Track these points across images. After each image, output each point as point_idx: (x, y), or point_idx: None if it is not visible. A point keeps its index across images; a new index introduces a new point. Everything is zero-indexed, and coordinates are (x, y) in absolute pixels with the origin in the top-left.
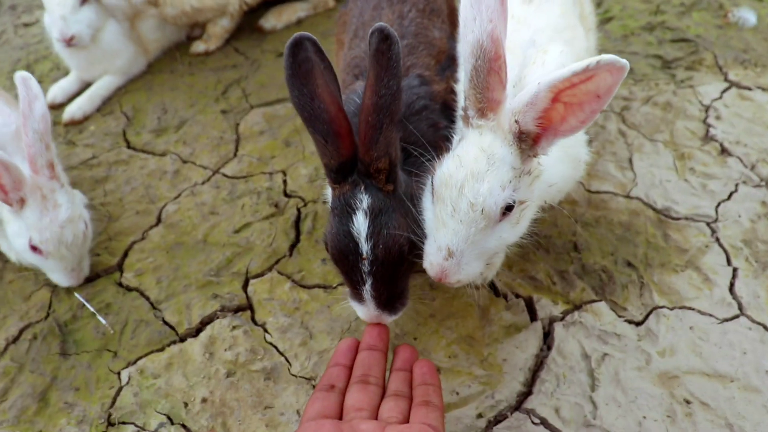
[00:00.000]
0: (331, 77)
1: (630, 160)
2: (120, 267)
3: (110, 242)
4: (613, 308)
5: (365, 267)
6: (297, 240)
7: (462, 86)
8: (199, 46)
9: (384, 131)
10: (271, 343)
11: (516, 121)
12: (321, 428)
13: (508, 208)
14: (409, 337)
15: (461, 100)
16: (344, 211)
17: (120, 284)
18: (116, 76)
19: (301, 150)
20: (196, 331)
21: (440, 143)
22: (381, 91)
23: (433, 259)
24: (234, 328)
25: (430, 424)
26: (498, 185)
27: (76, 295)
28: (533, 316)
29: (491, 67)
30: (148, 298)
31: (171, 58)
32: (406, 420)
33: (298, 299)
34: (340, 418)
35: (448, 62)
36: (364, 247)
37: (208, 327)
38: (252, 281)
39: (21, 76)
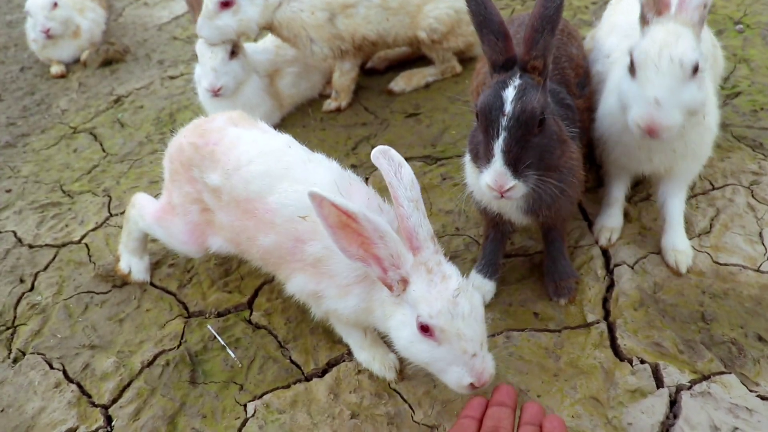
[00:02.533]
0: (492, 2)
1: (760, 234)
2: (250, 305)
3: (242, 281)
4: (744, 382)
5: (504, 121)
6: None
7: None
8: (330, 104)
9: (544, 36)
10: (395, 390)
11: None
12: None
13: (695, 69)
14: (532, 393)
15: (640, 8)
16: (499, 84)
17: (249, 321)
18: None
19: (428, 207)
20: (322, 372)
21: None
22: (547, 3)
23: (643, 113)
24: (360, 372)
25: None
26: (689, 46)
27: (208, 327)
28: (659, 382)
29: None
30: (276, 337)
31: (303, 114)
32: None
33: None
34: None
35: (585, 79)
36: (508, 107)
37: (334, 369)
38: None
39: (379, 150)
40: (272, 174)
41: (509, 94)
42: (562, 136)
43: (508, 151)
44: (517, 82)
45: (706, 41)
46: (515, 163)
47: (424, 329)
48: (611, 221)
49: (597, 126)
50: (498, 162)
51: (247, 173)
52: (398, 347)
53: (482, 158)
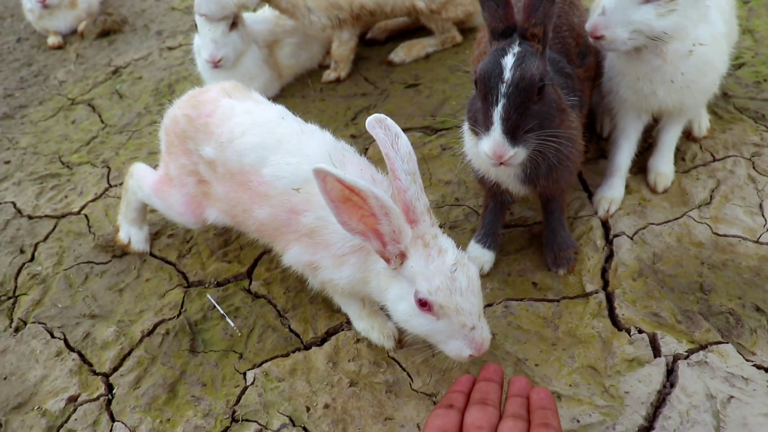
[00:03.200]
0: None
1: (760, 206)
2: (249, 275)
3: (241, 251)
4: (741, 351)
5: (502, 88)
6: None
7: None
8: (330, 75)
9: (543, 3)
10: (393, 358)
11: None
12: None
13: None
14: (531, 362)
15: None
16: (498, 52)
17: (249, 291)
18: None
19: (427, 178)
20: (321, 341)
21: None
22: None
23: (591, 19)
24: (358, 340)
25: None
26: None
27: (208, 296)
28: (657, 352)
29: None
30: (275, 306)
31: (303, 84)
32: None
33: None
34: None
35: (586, 49)
36: (507, 74)
37: (333, 338)
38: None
39: (375, 118)
40: (265, 146)
41: (508, 61)
42: (561, 105)
43: (507, 119)
44: (516, 49)
45: None
46: (514, 131)
47: (423, 304)
48: (612, 192)
49: (606, 65)
50: (497, 130)
51: (240, 145)
52: (396, 319)
53: (481, 125)
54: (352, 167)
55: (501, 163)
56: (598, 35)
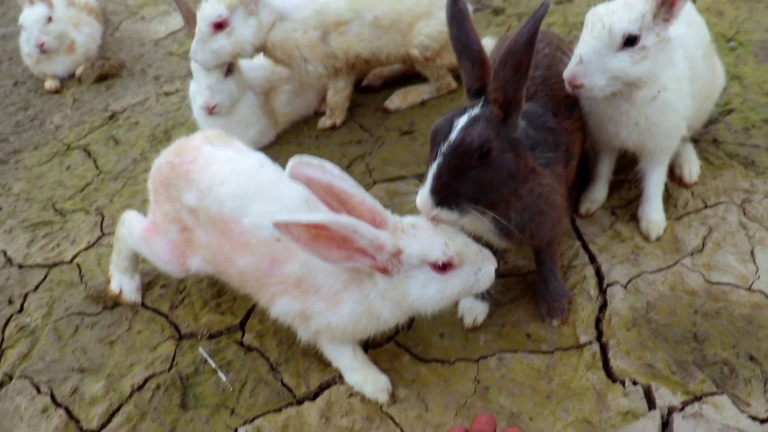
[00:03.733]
0: (474, 29)
1: (752, 253)
2: (242, 327)
3: (234, 302)
4: (736, 402)
5: (443, 147)
6: None
7: None
8: (325, 122)
9: (506, 69)
10: (387, 413)
11: None
12: None
13: (631, 41)
14: (525, 416)
15: None
16: (459, 111)
17: (241, 343)
18: (247, 145)
19: None
20: (314, 395)
21: (558, 154)
22: (517, 38)
23: (569, 68)
24: (351, 395)
25: None
26: (626, 18)
27: (200, 350)
28: (651, 404)
29: None
30: (268, 359)
31: (299, 131)
32: None
33: (416, 372)
34: None
35: (575, 100)
36: (453, 134)
37: (326, 392)
38: (371, 351)
39: (292, 164)
40: (245, 195)
41: (461, 122)
42: (520, 170)
43: (438, 178)
44: (475, 112)
45: (694, 35)
46: (441, 191)
47: (445, 267)
48: (594, 194)
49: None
50: (426, 186)
51: (220, 193)
52: (432, 307)
53: (425, 176)
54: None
55: (432, 217)
56: (577, 84)
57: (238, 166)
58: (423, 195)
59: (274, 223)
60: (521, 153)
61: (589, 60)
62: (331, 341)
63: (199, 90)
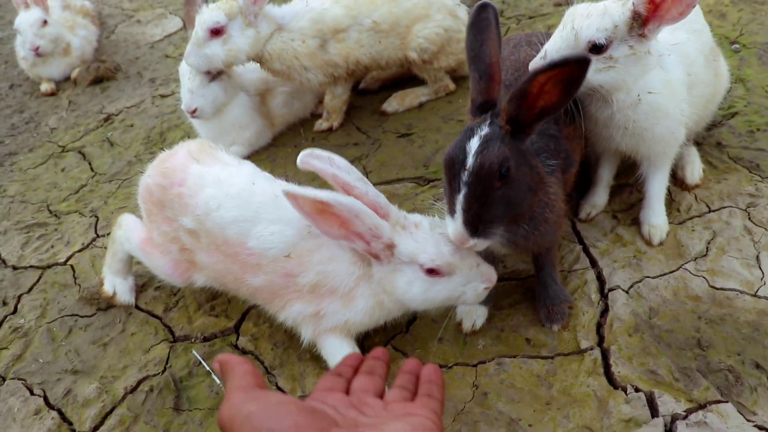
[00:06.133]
0: (498, 40)
1: (757, 258)
2: (237, 330)
3: (228, 305)
4: (741, 411)
5: (464, 176)
6: (414, 317)
7: None
8: (322, 124)
9: (518, 81)
10: None
11: (633, 4)
12: (330, 395)
13: (596, 48)
14: (524, 423)
15: None
16: (468, 133)
17: (236, 346)
18: (243, 147)
19: None
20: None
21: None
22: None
23: (535, 60)
24: None
25: (430, 409)
26: (595, 26)
27: (193, 352)
28: (654, 412)
29: None
30: (263, 363)
31: (295, 134)
32: None
33: None
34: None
35: (575, 107)
36: (469, 160)
37: None
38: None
39: (302, 156)
40: (245, 219)
41: (473, 145)
42: (534, 181)
43: (468, 209)
44: (484, 131)
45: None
46: (474, 222)
47: (432, 272)
48: (594, 198)
49: None
50: (458, 220)
51: (218, 219)
52: (416, 305)
53: (448, 207)
54: None
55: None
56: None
57: (230, 189)
58: (457, 228)
59: (284, 192)
60: (533, 163)
61: (552, 58)
62: (342, 335)
63: (182, 93)
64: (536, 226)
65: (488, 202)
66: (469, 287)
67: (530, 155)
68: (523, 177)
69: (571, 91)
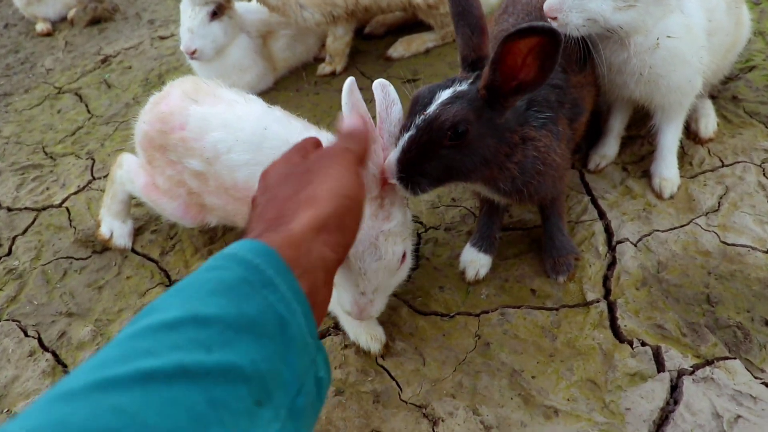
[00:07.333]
0: None
1: None
2: None
3: None
4: (749, 368)
5: (419, 119)
6: (416, 265)
7: None
8: (325, 68)
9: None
10: (382, 366)
11: None
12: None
13: None
14: (527, 374)
15: None
16: (447, 83)
17: None
18: (244, 90)
19: None
20: None
21: (560, 112)
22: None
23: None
24: (346, 346)
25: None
26: None
27: None
28: (660, 366)
29: None
30: None
31: (297, 77)
32: None
33: (414, 325)
34: None
35: (586, 53)
36: (431, 108)
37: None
38: None
39: (380, 83)
40: (257, 162)
41: (443, 95)
42: (498, 154)
43: (406, 151)
44: (461, 87)
45: None
46: (405, 167)
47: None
48: (604, 149)
49: None
50: (395, 153)
51: (228, 161)
52: None
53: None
54: None
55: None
56: (552, 17)
57: (241, 134)
58: (390, 159)
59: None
60: (505, 136)
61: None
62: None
63: (181, 32)
64: (527, 181)
65: (429, 155)
66: (346, 294)
67: (506, 129)
68: (482, 149)
69: (547, 65)
